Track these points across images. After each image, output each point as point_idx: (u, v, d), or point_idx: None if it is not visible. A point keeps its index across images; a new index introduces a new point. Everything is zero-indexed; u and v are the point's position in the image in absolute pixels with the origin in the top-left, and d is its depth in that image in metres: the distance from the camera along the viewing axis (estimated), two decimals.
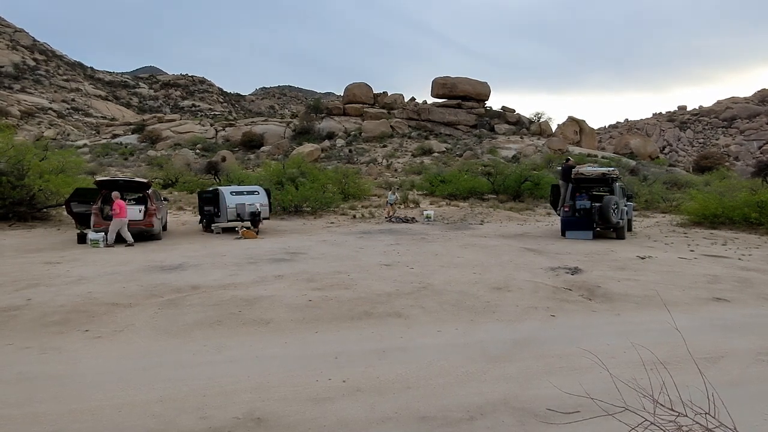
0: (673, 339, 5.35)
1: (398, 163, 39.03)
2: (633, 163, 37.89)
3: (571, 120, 49.96)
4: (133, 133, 51.62)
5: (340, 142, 45.58)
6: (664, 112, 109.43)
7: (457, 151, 42.13)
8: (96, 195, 13.61)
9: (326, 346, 5.44)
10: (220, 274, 8.89)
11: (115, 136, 52.13)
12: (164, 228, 15.05)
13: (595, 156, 40.12)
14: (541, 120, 52.13)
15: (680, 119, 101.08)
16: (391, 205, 19.65)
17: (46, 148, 19.06)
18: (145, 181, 14.31)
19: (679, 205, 21.26)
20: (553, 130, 50.82)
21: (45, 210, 16.84)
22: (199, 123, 53.59)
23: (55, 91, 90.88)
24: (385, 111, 52.27)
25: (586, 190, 15.14)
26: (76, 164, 18.49)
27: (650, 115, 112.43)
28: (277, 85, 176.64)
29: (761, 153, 73.89)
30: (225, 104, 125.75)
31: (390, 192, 20.96)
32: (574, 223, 14.31)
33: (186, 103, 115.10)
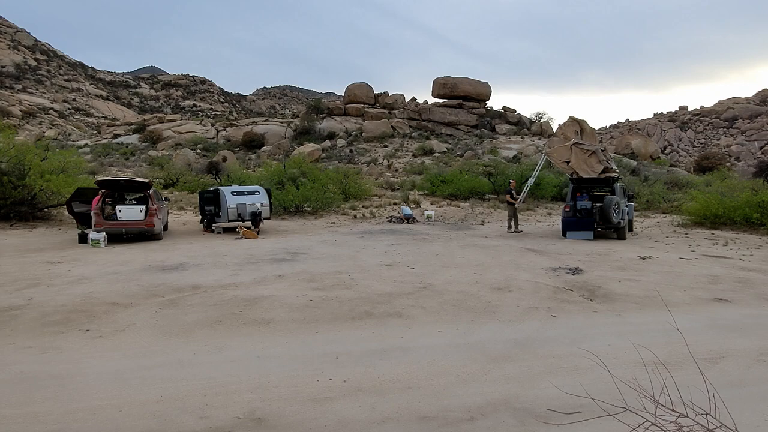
0: (674, 339, 5.35)
1: (399, 163, 39.01)
2: (634, 163, 37.83)
3: (572, 120, 49.85)
4: (134, 133, 51.60)
5: (340, 142, 45.56)
6: (665, 112, 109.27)
7: (458, 151, 42.09)
8: (97, 195, 13.63)
9: (327, 346, 5.44)
10: (221, 274, 8.89)
11: (116, 136, 52.12)
12: (165, 228, 15.06)
13: None
14: (542, 120, 52.09)
15: (681, 119, 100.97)
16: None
17: (47, 148, 19.07)
18: (146, 181, 14.32)
19: (680, 205, 21.22)
20: (554, 130, 50.77)
21: (46, 210, 16.86)
22: (200, 123, 53.53)
23: (57, 91, 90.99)
24: (385, 111, 52.20)
25: (587, 190, 15.13)
26: (77, 164, 18.49)
27: (651, 115, 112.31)
28: (277, 85, 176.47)
29: (762, 153, 73.79)
30: (226, 104, 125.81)
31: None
32: (574, 224, 14.30)
33: (187, 103, 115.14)
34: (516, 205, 15.84)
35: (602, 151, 15.15)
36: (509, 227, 15.64)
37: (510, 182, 16.88)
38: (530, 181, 16.69)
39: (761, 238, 14.42)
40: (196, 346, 5.37)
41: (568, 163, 14.84)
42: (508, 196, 15.97)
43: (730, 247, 12.72)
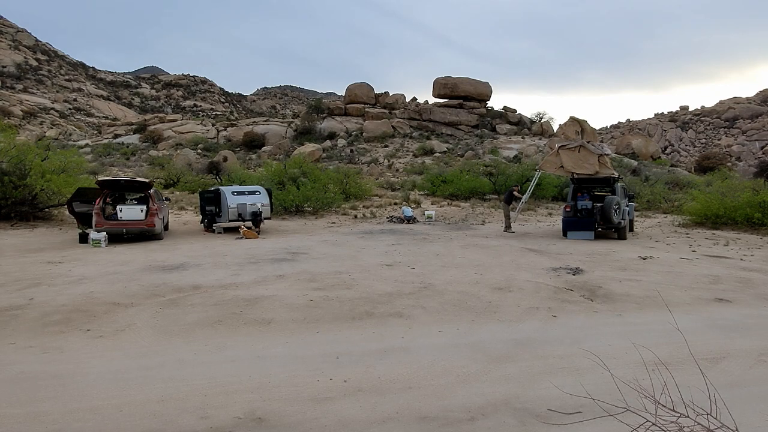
0: (674, 339, 5.34)
1: (399, 163, 39.02)
2: (635, 163, 37.81)
3: (573, 120, 49.89)
4: (134, 133, 51.63)
5: (341, 142, 45.59)
6: (665, 112, 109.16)
7: (459, 151, 42.10)
8: (98, 195, 13.64)
9: (327, 346, 5.44)
10: (222, 273, 8.89)
11: (116, 136, 52.14)
12: (166, 228, 15.06)
13: None
14: (543, 120, 52.09)
15: (682, 119, 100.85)
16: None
17: (48, 148, 19.07)
18: (146, 181, 14.33)
19: (680, 205, 21.21)
20: (555, 130, 50.77)
21: (47, 210, 16.88)
22: (201, 123, 53.56)
23: (57, 91, 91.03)
24: (386, 111, 52.21)
25: (588, 190, 15.13)
26: (77, 164, 18.50)
27: (652, 115, 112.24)
28: (278, 85, 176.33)
29: (763, 153, 73.71)
30: (226, 104, 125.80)
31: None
32: (575, 224, 14.30)
33: (187, 103, 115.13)
34: (511, 210, 16.05)
35: (588, 142, 15.25)
36: (507, 227, 15.72)
37: (514, 186, 17.12)
38: (525, 197, 16.91)
39: (762, 238, 14.40)
40: (197, 346, 5.37)
41: (563, 167, 14.91)
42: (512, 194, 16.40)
43: (730, 247, 12.71)
